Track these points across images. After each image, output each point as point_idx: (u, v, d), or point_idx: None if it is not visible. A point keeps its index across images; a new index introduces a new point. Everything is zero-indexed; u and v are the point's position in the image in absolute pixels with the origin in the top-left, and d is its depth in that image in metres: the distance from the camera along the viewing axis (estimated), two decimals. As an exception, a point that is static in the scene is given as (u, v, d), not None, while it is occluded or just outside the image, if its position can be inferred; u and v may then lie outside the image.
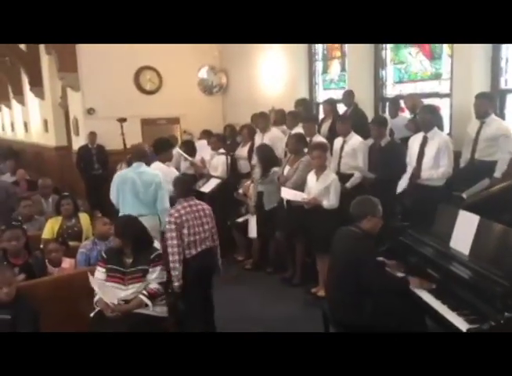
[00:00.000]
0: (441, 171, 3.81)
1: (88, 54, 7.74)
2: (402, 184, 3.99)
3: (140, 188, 3.96)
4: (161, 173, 4.17)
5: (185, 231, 3.16)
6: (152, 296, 2.92)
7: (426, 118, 3.89)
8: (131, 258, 2.99)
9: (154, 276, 2.96)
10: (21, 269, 3.29)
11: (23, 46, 10.77)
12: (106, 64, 7.81)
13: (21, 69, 11.75)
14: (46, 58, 9.81)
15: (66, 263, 3.56)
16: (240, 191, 5.24)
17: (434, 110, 4.07)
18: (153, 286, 2.95)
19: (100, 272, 2.99)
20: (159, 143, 4.65)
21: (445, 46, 5.45)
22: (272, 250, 4.95)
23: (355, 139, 4.66)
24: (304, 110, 6.13)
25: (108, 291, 2.87)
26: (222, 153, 5.47)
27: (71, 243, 4.02)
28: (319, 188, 4.11)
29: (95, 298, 2.93)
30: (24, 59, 10.75)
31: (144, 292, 2.91)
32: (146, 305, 2.90)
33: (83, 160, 7.81)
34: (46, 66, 10.04)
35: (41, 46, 9.79)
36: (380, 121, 4.60)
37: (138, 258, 2.97)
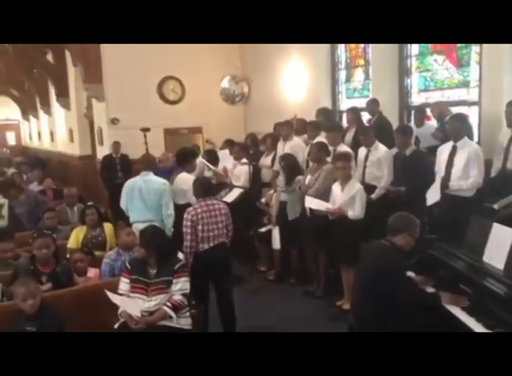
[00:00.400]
0: (471, 182, 3.68)
1: (113, 65, 7.90)
2: (433, 196, 3.85)
3: (146, 195, 4.31)
4: (191, 185, 4.16)
5: (200, 227, 3.47)
6: (175, 308, 2.88)
7: (455, 127, 3.78)
8: (155, 268, 2.97)
9: (178, 287, 2.93)
10: (49, 278, 3.32)
11: (50, 58, 11.09)
12: (130, 75, 7.94)
13: (48, 80, 12.09)
14: (72, 70, 10.06)
15: (91, 273, 3.58)
16: (263, 200, 5.20)
17: (463, 119, 3.96)
18: (177, 297, 2.92)
19: (124, 283, 2.98)
20: (182, 154, 4.65)
21: (473, 53, 5.33)
22: (295, 260, 4.87)
23: (380, 149, 4.57)
24: (326, 119, 6.08)
25: (131, 304, 2.85)
26: (245, 163, 5.44)
27: (96, 252, 4.05)
28: (344, 198, 4.03)
29: (120, 310, 2.92)
30: (52, 71, 11.06)
31: (168, 304, 2.88)
32: (170, 317, 2.87)
33: (107, 169, 7.91)
34: (72, 78, 10.29)
35: (68, 58, 10.05)
36: (404, 129, 4.50)
37: (162, 269, 2.95)
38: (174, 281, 2.94)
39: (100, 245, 4.18)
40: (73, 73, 10.11)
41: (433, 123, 5.47)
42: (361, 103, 6.90)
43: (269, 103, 8.30)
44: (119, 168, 7.86)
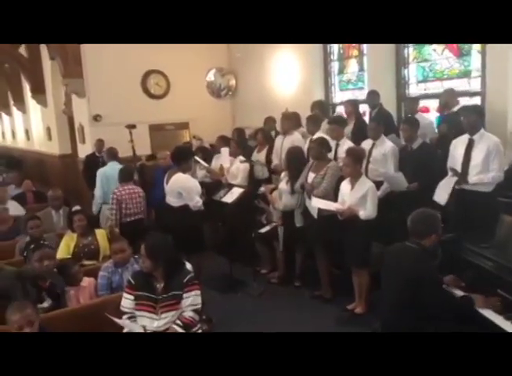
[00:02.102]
0: (492, 176, 3.51)
1: (94, 59, 7.47)
2: (443, 193, 3.66)
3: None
4: (188, 186, 4.11)
5: (123, 205, 4.64)
6: (187, 326, 2.59)
7: (472, 120, 3.60)
8: (162, 282, 2.65)
9: (189, 302, 2.63)
10: (48, 293, 3.02)
11: (24, 52, 10.48)
12: (112, 69, 7.55)
13: (22, 76, 11.48)
14: (49, 64, 9.52)
15: (85, 282, 3.28)
16: (262, 189, 4.88)
17: (480, 111, 3.77)
18: (188, 314, 2.62)
19: (128, 301, 2.65)
20: (178, 153, 4.34)
21: (475, 42, 5.18)
22: (300, 262, 4.62)
23: (386, 144, 4.36)
24: (322, 112, 5.85)
25: (136, 328, 2.55)
26: (244, 161, 5.15)
27: (88, 262, 3.74)
28: (354, 197, 3.80)
29: (125, 330, 2.62)
30: (25, 66, 10.46)
31: (178, 322, 2.59)
32: (180, 336, 2.59)
33: (90, 169, 7.46)
34: (49, 73, 9.75)
35: (44, 52, 9.51)
36: (411, 121, 4.29)
37: (170, 283, 2.63)
38: (184, 296, 2.63)
39: (93, 254, 3.85)
40: (49, 67, 9.56)
41: (428, 115, 5.33)
42: (355, 95, 6.72)
43: (258, 97, 8.02)
44: (103, 167, 7.44)
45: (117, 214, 4.61)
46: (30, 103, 11.99)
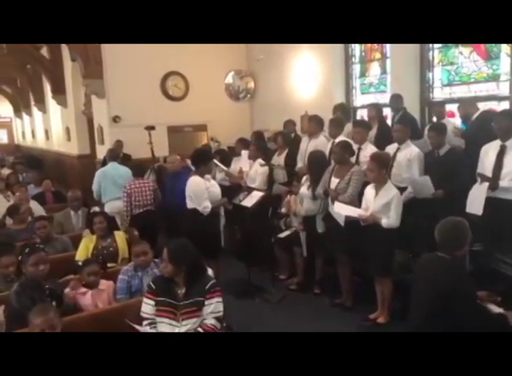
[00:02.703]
0: (525, 183, 3.36)
1: (114, 60, 7.50)
2: (476, 202, 3.49)
3: (117, 178, 5.62)
4: (198, 190, 4.06)
5: (133, 198, 5.06)
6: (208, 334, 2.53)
7: (504, 125, 3.45)
8: (183, 288, 2.58)
9: (210, 309, 2.55)
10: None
11: (45, 53, 10.61)
12: (132, 71, 7.56)
13: (43, 76, 11.61)
14: (70, 65, 9.62)
15: (103, 285, 3.22)
16: (283, 210, 4.82)
17: (513, 116, 3.62)
18: (209, 322, 2.55)
19: (149, 306, 2.59)
20: (198, 155, 4.28)
21: (504, 45, 5.02)
22: (320, 269, 4.52)
23: (412, 149, 4.23)
24: (344, 115, 5.75)
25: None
26: (264, 164, 5.07)
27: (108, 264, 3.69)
28: (378, 203, 3.69)
29: (145, 337, 2.56)
30: (47, 67, 10.59)
31: (199, 330, 2.53)
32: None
33: (108, 169, 7.47)
34: (69, 74, 9.85)
35: (65, 53, 9.60)
36: (439, 127, 4.15)
37: (191, 289, 2.55)
38: (206, 303, 2.56)
39: (112, 256, 3.81)
40: (70, 68, 9.66)
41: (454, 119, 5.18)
42: (377, 98, 6.60)
43: (277, 100, 7.95)
44: (122, 168, 7.44)
45: (127, 206, 5.03)
46: (51, 103, 12.13)
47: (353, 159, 4.47)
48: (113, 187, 5.58)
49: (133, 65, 7.51)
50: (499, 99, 4.99)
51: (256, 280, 4.70)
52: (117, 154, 6.35)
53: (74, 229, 4.84)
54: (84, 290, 3.15)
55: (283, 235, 4.78)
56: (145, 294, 2.68)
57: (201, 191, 4.10)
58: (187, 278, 2.58)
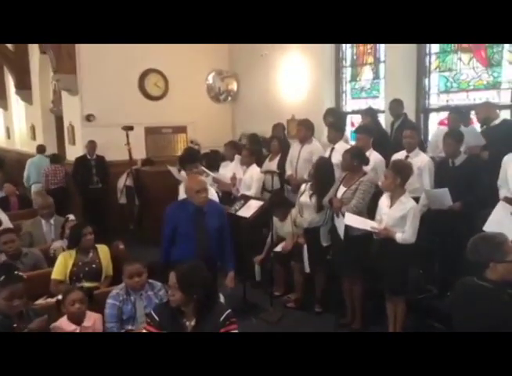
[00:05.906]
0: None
1: (89, 54, 6.93)
2: (496, 224, 3.21)
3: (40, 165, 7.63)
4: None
5: (49, 178, 7.31)
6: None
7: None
8: (192, 320, 2.17)
9: (226, 345, 2.17)
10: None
11: (10, 45, 9.82)
12: (108, 66, 7.03)
13: (5, 70, 10.79)
14: (36, 58, 8.92)
15: (90, 320, 2.66)
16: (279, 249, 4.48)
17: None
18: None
19: (152, 342, 2.18)
20: (188, 155, 3.89)
21: (506, 52, 4.90)
22: (320, 286, 4.17)
23: (422, 157, 3.99)
24: (335, 120, 5.46)
25: None
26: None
27: (88, 284, 3.20)
28: (393, 216, 3.39)
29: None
30: (10, 60, 9.80)
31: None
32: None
33: (80, 172, 6.93)
34: (37, 67, 9.13)
35: (32, 45, 8.88)
36: (457, 135, 3.90)
37: (203, 321, 2.15)
38: (221, 338, 2.17)
39: (94, 274, 3.30)
40: (37, 61, 8.94)
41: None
42: (368, 103, 6.37)
43: (262, 103, 7.59)
44: (94, 171, 6.94)
45: (44, 182, 7.18)
46: (13, 99, 11.31)
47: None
48: (37, 174, 7.69)
49: (109, 60, 6.97)
50: (500, 107, 4.84)
51: (251, 298, 4.31)
52: (42, 149, 8.30)
53: (46, 241, 4.27)
54: (70, 327, 2.58)
55: (278, 248, 4.43)
56: (144, 326, 2.25)
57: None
58: (198, 308, 2.17)
